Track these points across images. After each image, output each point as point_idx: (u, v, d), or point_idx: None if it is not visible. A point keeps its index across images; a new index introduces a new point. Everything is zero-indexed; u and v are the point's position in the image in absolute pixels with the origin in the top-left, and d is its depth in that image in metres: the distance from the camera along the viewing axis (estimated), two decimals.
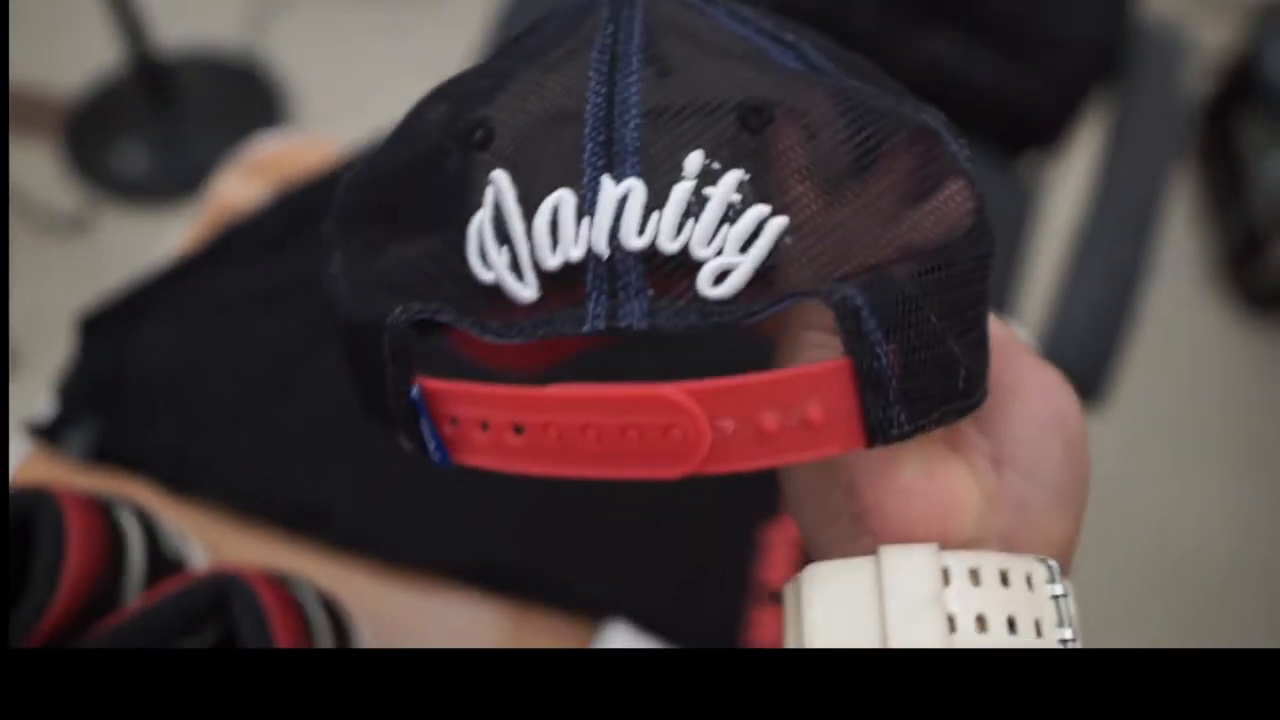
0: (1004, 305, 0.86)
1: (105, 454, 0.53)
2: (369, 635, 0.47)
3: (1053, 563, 0.23)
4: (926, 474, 0.23)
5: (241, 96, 1.55)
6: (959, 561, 0.22)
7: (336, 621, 0.43)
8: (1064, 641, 0.22)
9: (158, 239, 1.42)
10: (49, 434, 0.53)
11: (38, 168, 1.48)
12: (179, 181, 1.45)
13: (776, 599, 0.45)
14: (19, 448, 0.54)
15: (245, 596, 0.36)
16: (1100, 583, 1.08)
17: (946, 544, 0.23)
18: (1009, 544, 0.24)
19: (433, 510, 0.52)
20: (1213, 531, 1.22)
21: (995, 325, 0.24)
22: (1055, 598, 0.23)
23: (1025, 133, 0.89)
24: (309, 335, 0.58)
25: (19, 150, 1.49)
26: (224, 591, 0.36)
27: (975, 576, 0.22)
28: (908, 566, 0.22)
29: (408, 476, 0.53)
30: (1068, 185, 1.00)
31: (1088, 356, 0.74)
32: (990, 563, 0.22)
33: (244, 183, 0.66)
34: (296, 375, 0.57)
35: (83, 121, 1.52)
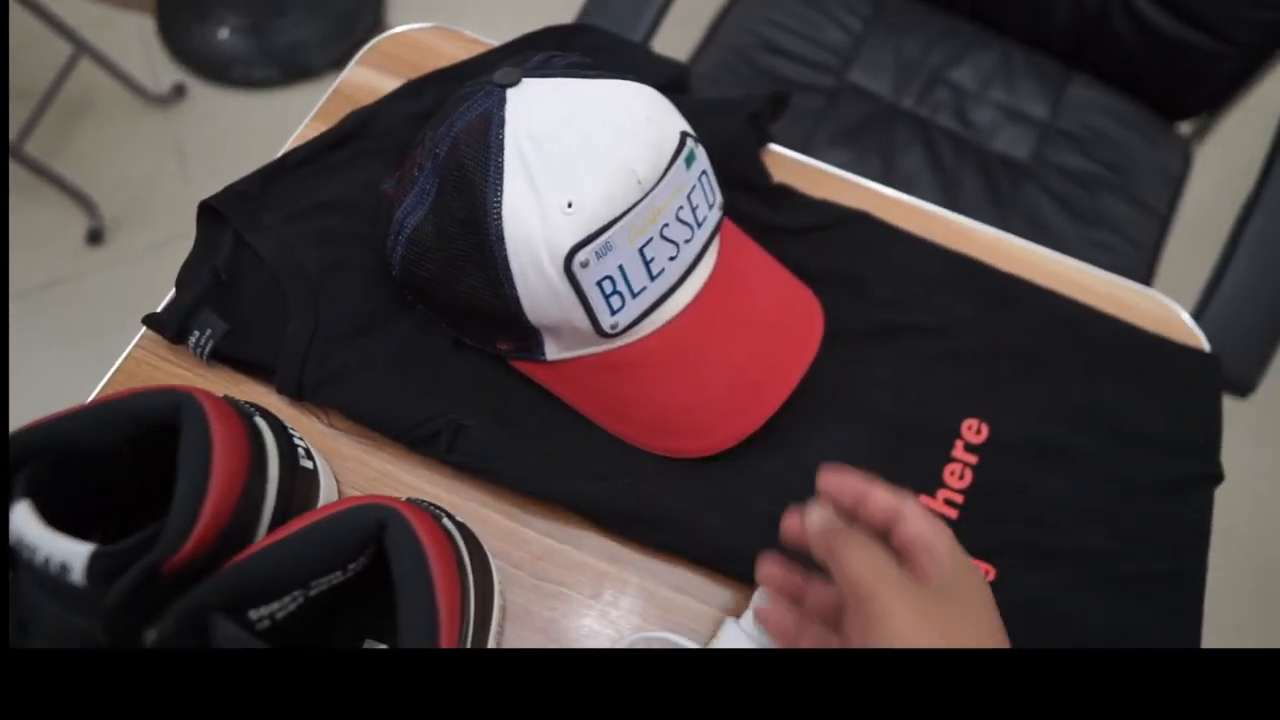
0: (1149, 278, 0.80)
1: (222, 353, 0.51)
2: (496, 568, 0.44)
3: None
4: None
5: None
6: None
7: (476, 550, 0.41)
8: None
9: (246, 119, 1.39)
10: (166, 327, 0.51)
11: (131, 41, 1.45)
12: (271, 63, 1.40)
13: None
14: (126, 335, 0.52)
15: (403, 531, 0.33)
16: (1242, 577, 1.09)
17: None
18: None
19: (556, 443, 0.49)
20: None
21: None
22: None
23: (1195, 90, 0.82)
24: None
25: (116, 22, 1.45)
26: (381, 522, 0.34)
27: None
28: None
29: (531, 405, 0.50)
30: (1212, 155, 0.93)
31: (1239, 344, 0.69)
32: None
33: (372, 73, 0.62)
34: None
35: None
